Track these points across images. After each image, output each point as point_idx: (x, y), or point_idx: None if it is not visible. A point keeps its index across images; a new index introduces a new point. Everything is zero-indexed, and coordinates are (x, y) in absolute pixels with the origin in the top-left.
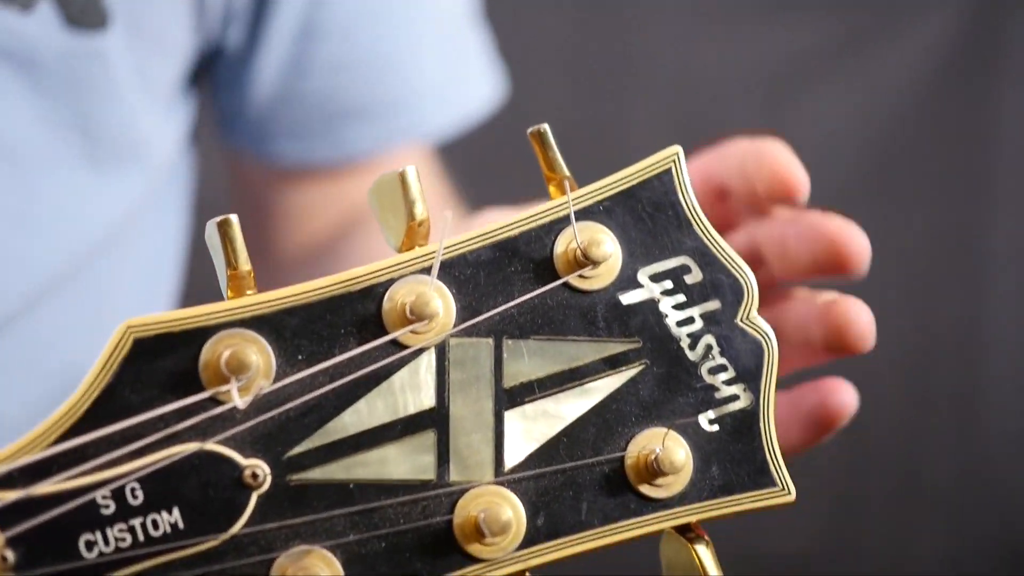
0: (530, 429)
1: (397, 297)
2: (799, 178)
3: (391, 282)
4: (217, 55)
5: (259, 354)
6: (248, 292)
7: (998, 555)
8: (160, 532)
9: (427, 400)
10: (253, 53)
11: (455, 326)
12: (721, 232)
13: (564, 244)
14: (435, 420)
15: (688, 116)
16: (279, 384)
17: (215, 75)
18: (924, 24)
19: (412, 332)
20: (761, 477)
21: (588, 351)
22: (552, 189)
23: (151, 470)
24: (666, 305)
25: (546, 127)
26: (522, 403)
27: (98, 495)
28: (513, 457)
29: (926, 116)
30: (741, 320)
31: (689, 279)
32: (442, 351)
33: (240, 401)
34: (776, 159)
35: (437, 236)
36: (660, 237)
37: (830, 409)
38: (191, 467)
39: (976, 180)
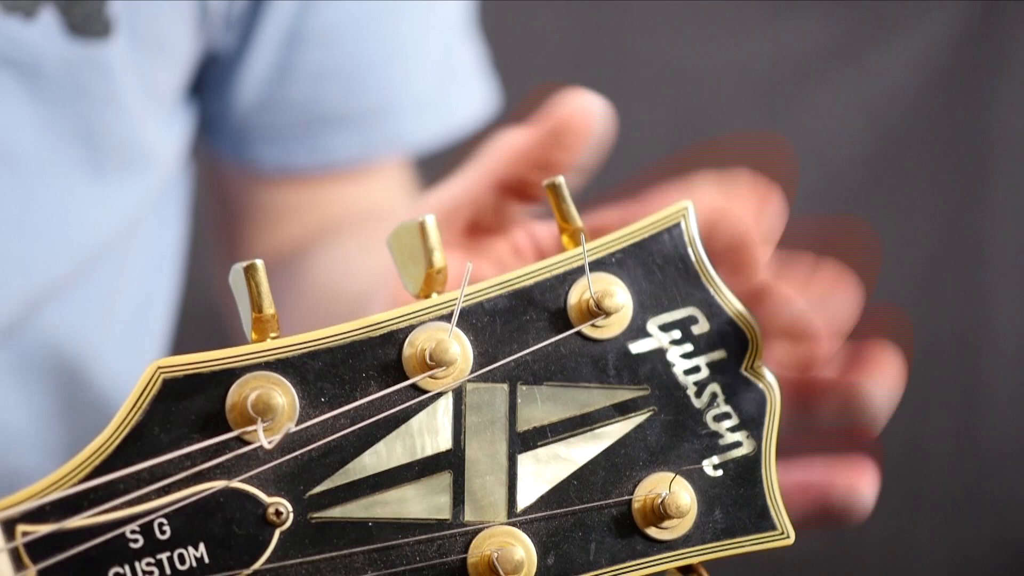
0: (542, 472)
1: (417, 343)
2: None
3: (411, 328)
4: (211, 61)
5: (284, 396)
6: (272, 335)
7: (998, 555)
8: (186, 567)
9: (444, 443)
10: (241, 59)
11: (472, 372)
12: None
13: (578, 295)
14: (451, 462)
15: (688, 116)
16: (303, 426)
17: (204, 80)
18: (924, 24)
19: (431, 377)
20: (762, 521)
21: (599, 397)
22: (565, 239)
23: (179, 506)
24: (674, 354)
25: (562, 179)
26: (535, 447)
27: (127, 530)
28: (526, 498)
29: (926, 116)
30: (745, 369)
31: (696, 329)
32: (459, 396)
33: (266, 442)
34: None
35: (453, 282)
36: (669, 288)
37: (840, 508)
38: (217, 504)
39: (976, 180)
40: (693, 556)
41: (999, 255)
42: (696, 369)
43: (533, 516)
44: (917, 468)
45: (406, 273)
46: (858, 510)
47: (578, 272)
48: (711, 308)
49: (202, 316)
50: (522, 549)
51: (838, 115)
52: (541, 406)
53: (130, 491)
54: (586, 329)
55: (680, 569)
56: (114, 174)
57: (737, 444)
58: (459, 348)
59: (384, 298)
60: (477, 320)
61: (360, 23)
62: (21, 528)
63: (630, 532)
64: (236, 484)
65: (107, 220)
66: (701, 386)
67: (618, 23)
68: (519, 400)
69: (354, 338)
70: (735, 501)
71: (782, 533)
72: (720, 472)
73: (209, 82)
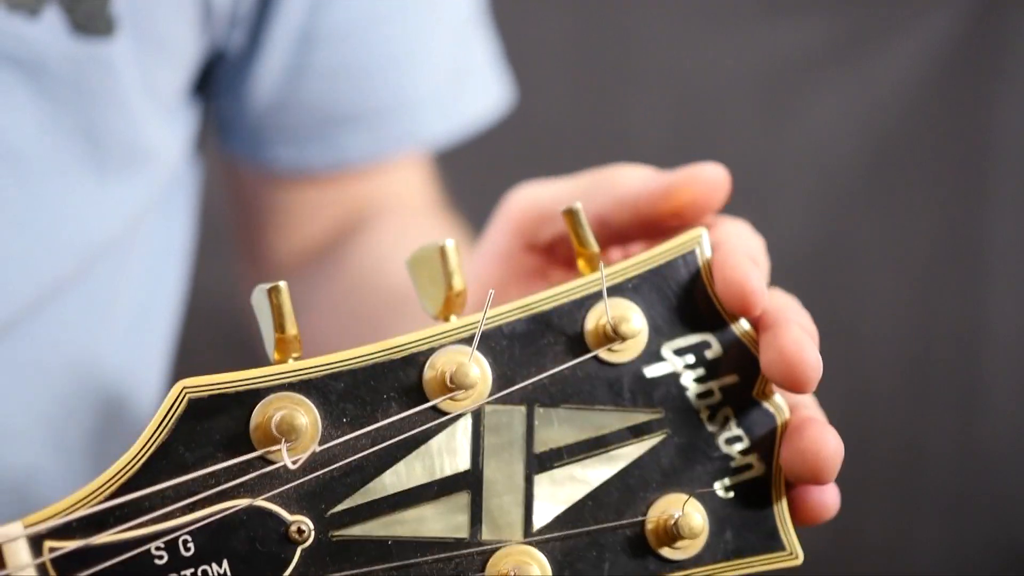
0: (558, 492)
1: (438, 366)
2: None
3: (432, 351)
4: (219, 60)
5: (307, 416)
6: (294, 355)
7: (998, 555)
8: None
9: (463, 463)
10: (253, 58)
11: (491, 394)
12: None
13: (595, 320)
14: (469, 482)
15: (688, 116)
16: (325, 446)
17: (214, 80)
18: (924, 24)
19: (451, 399)
20: (771, 541)
21: (614, 420)
22: (581, 263)
23: (203, 524)
24: (687, 378)
25: (579, 206)
26: (551, 468)
27: (152, 546)
28: (542, 519)
29: (926, 116)
30: (756, 394)
31: (709, 354)
32: (478, 417)
33: (290, 462)
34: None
35: (472, 304)
36: (684, 314)
37: (806, 506)
38: (240, 522)
39: (976, 180)
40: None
41: (999, 255)
42: (709, 393)
43: (549, 536)
44: (917, 468)
45: (425, 295)
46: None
47: (595, 297)
48: (723, 333)
49: (210, 316)
50: (538, 568)
51: (838, 115)
52: (558, 428)
53: (155, 508)
54: (602, 353)
55: None
56: (117, 172)
57: (748, 467)
58: (479, 371)
59: None
60: (496, 343)
61: (372, 21)
62: (48, 544)
63: (643, 552)
64: (260, 503)
65: (110, 218)
66: (713, 410)
67: (619, 22)
68: (536, 422)
69: (376, 360)
70: (745, 522)
71: (791, 554)
72: (731, 494)
73: (221, 83)
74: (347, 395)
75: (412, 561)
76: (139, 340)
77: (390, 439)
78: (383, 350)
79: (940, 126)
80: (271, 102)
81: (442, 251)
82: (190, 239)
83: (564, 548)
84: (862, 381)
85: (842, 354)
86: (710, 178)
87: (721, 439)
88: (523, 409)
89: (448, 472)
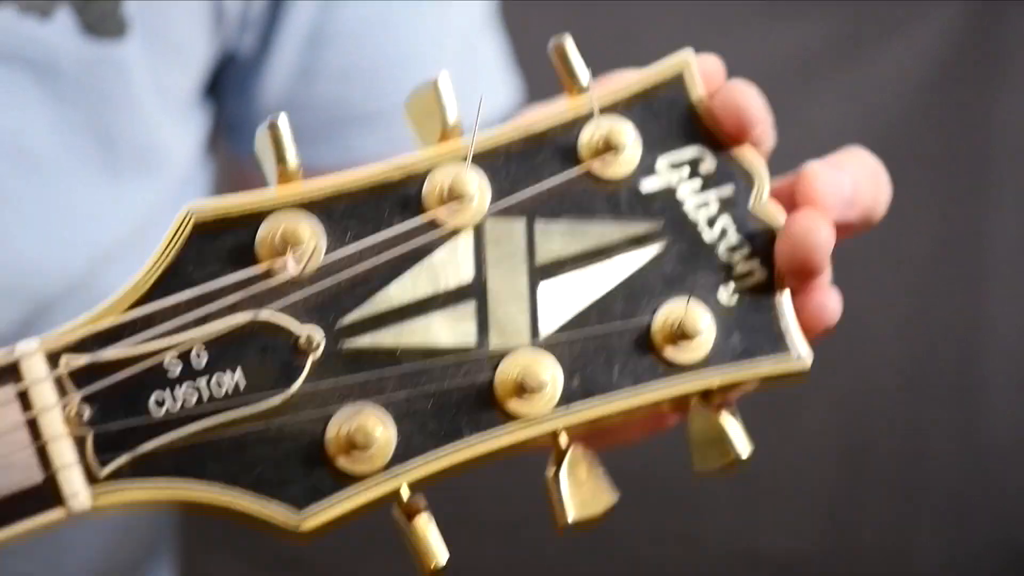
0: (563, 300)
1: (436, 180)
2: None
3: (430, 169)
4: (229, 62)
5: (310, 231)
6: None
7: (998, 555)
8: (223, 391)
9: (466, 275)
10: (263, 60)
11: (490, 208)
12: None
13: (588, 134)
14: (474, 292)
15: None
16: (330, 259)
17: (224, 81)
18: (924, 24)
19: (451, 212)
20: (779, 344)
21: (613, 231)
22: (569, 95)
23: (214, 335)
24: (684, 192)
25: (568, 38)
26: (554, 276)
27: (166, 358)
28: (548, 325)
29: (926, 116)
30: (754, 204)
31: (704, 168)
32: (479, 231)
33: (295, 269)
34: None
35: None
36: (675, 131)
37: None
38: (251, 333)
39: (976, 180)
40: (713, 377)
41: (999, 255)
42: (706, 204)
43: (557, 340)
44: (917, 468)
45: (422, 133)
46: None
47: (588, 116)
48: (717, 147)
49: None
50: (547, 369)
51: (838, 115)
52: (559, 240)
53: (167, 322)
54: (597, 167)
55: (704, 399)
56: (129, 174)
57: (749, 273)
58: (477, 183)
59: None
60: (493, 161)
61: (382, 21)
62: (65, 358)
63: (651, 354)
64: (268, 313)
65: (123, 220)
66: (711, 220)
67: (619, 22)
68: (537, 234)
69: (376, 179)
70: (751, 327)
71: (798, 357)
72: (735, 300)
73: (230, 84)
74: (349, 212)
75: (422, 367)
76: None
77: (394, 252)
78: (383, 170)
79: (940, 126)
80: (280, 103)
81: (435, 85)
82: None
83: (572, 352)
84: (862, 381)
85: (842, 354)
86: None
87: (721, 247)
88: (523, 222)
89: (452, 283)
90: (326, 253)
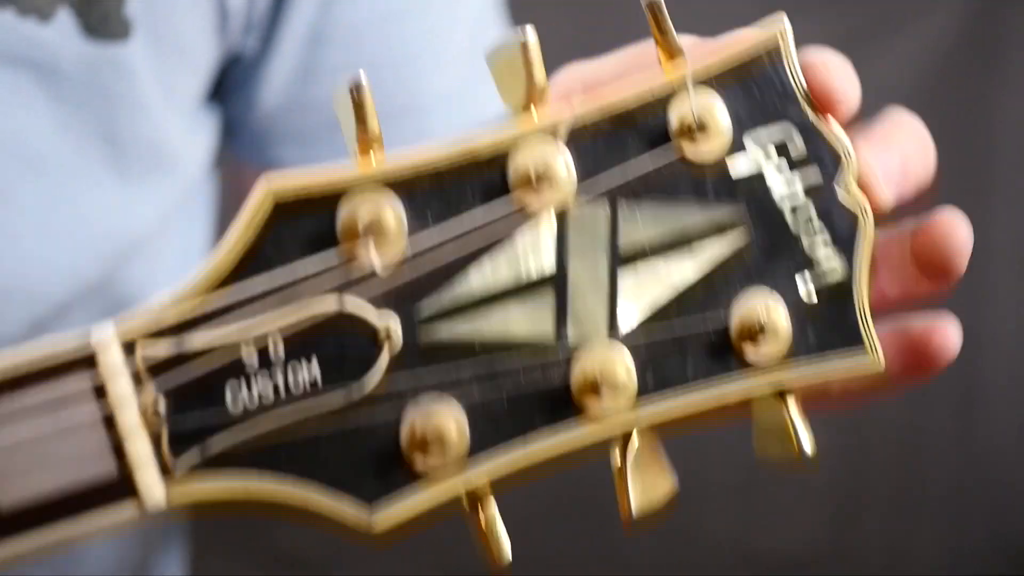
0: (642, 291)
1: (523, 160)
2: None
3: (516, 147)
4: (234, 63)
5: (394, 215)
6: (376, 154)
7: (998, 555)
8: (300, 385)
9: (547, 262)
10: (263, 60)
11: (576, 191)
12: None
13: (679, 113)
14: (555, 281)
15: None
16: (411, 245)
17: (226, 83)
18: (924, 24)
19: (536, 197)
20: (853, 344)
21: (698, 217)
22: (663, 56)
23: (292, 326)
24: (771, 176)
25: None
26: (635, 265)
27: (243, 350)
28: (626, 317)
29: (926, 116)
30: (840, 192)
31: (793, 151)
32: (562, 215)
33: (377, 261)
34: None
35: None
36: (767, 109)
37: (930, 347)
38: (329, 322)
39: (976, 180)
40: (788, 376)
41: (999, 255)
42: (793, 193)
43: (634, 334)
44: (917, 468)
45: (505, 88)
46: (945, 349)
47: (679, 91)
48: (807, 130)
49: None
50: (623, 368)
51: None
52: (642, 225)
53: (244, 311)
54: (687, 149)
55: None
56: (138, 175)
57: (832, 269)
58: (564, 168)
59: None
60: (580, 141)
61: (383, 21)
62: (141, 347)
63: (726, 350)
64: (348, 303)
65: (133, 223)
66: (796, 208)
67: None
68: (621, 220)
69: (461, 156)
70: (828, 323)
71: (873, 360)
72: (814, 293)
73: (231, 85)
74: (432, 193)
75: (498, 361)
76: None
77: (476, 238)
78: (468, 148)
79: (940, 125)
80: (281, 104)
81: (523, 45)
82: (211, 242)
83: (648, 345)
84: None
85: None
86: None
87: (804, 238)
88: (608, 206)
89: (533, 271)
90: (408, 237)
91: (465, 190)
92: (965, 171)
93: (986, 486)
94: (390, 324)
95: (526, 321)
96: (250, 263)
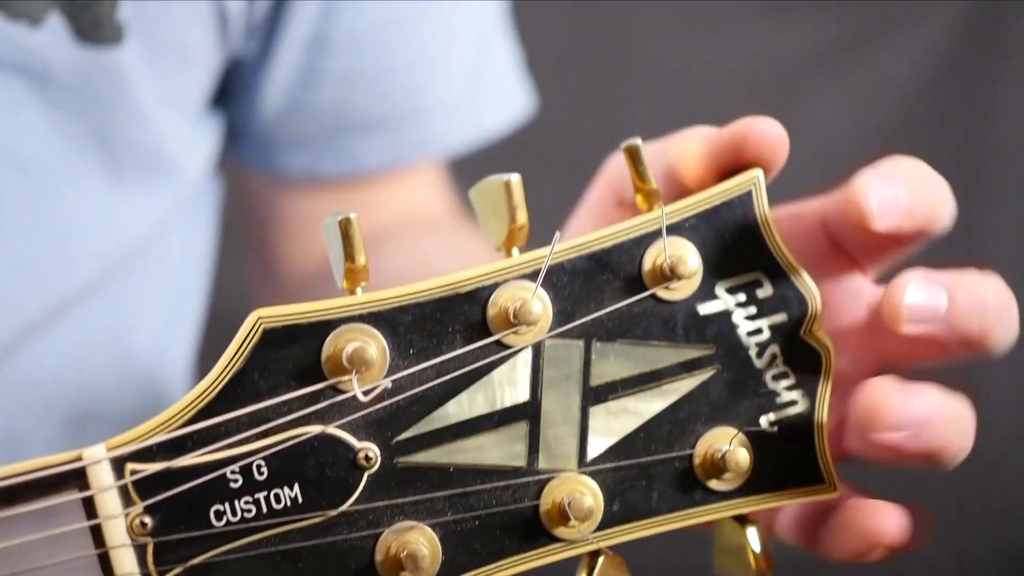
0: (612, 424)
1: (501, 302)
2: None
3: (496, 286)
4: (236, 67)
5: (376, 348)
6: (362, 284)
7: (998, 555)
8: (281, 505)
9: (522, 395)
10: (264, 65)
11: (551, 329)
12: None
13: (652, 259)
14: (528, 413)
15: (688, 116)
16: (395, 377)
17: (228, 87)
18: (924, 24)
19: (513, 334)
20: (812, 474)
21: (667, 355)
22: (639, 198)
23: (276, 450)
24: (739, 316)
25: (639, 142)
26: (606, 400)
27: (228, 470)
28: (595, 449)
29: (926, 116)
30: (804, 333)
31: (761, 293)
32: (538, 351)
33: (360, 393)
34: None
35: (535, 240)
36: (738, 254)
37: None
38: (311, 448)
39: (976, 180)
40: (748, 505)
41: (998, 254)
42: (759, 331)
43: (602, 466)
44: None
45: (488, 227)
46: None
47: (653, 236)
48: (775, 273)
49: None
50: (591, 496)
51: (838, 115)
52: (614, 362)
53: (231, 434)
54: (659, 291)
55: (735, 518)
56: (135, 181)
57: (793, 403)
58: (541, 307)
59: None
60: (557, 280)
61: (385, 27)
62: (130, 467)
63: (690, 483)
64: (330, 430)
65: (131, 228)
66: (762, 347)
67: (618, 22)
68: (593, 356)
69: (442, 294)
70: (788, 456)
71: (830, 486)
72: (776, 428)
73: (233, 89)
74: (414, 327)
75: (472, 488)
76: (164, 348)
77: (454, 371)
78: (448, 284)
79: (940, 126)
80: (282, 109)
81: (507, 185)
82: (213, 248)
83: (616, 478)
84: None
85: None
86: (767, 131)
87: (768, 375)
88: (581, 343)
89: (508, 403)
90: (389, 370)
91: (446, 326)
92: (965, 171)
93: (987, 488)
94: (369, 450)
95: (499, 450)
96: (238, 389)
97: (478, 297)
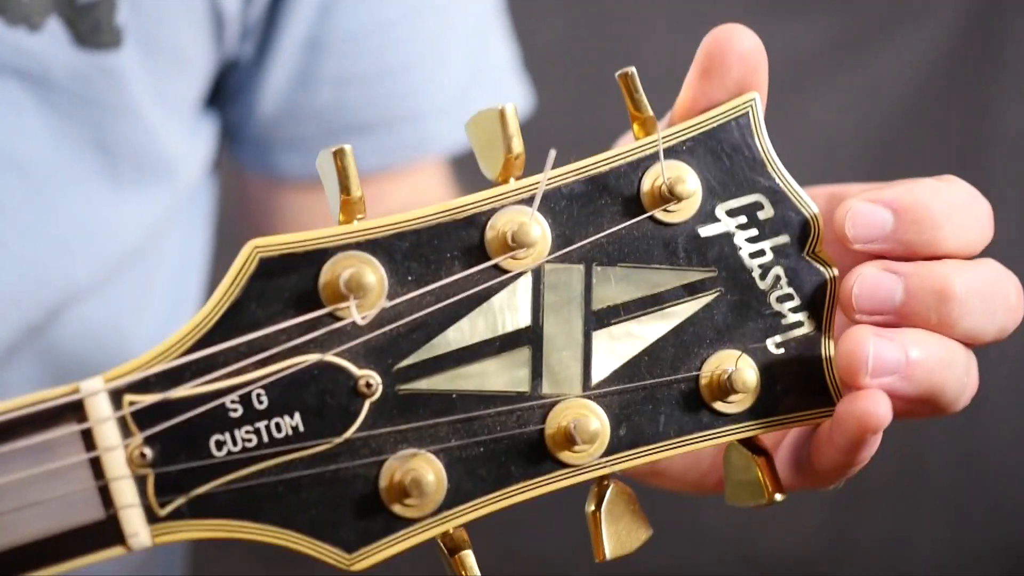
0: (615, 348)
1: (499, 226)
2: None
3: (493, 211)
4: (232, 69)
5: (374, 274)
6: (359, 216)
7: (998, 554)
8: (282, 434)
9: (523, 320)
10: (261, 66)
11: (550, 253)
12: None
13: (651, 181)
14: (530, 338)
15: None
16: (393, 302)
17: (224, 89)
18: (924, 24)
19: (512, 258)
20: (820, 396)
21: (669, 278)
22: (636, 127)
23: (275, 378)
24: (740, 238)
25: (634, 70)
26: (609, 324)
27: (227, 400)
28: (600, 373)
29: (926, 116)
30: (807, 254)
31: (762, 215)
32: (538, 276)
33: (359, 317)
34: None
35: (531, 168)
36: (737, 175)
37: (856, 418)
38: (311, 376)
39: (976, 179)
40: (756, 428)
41: (999, 254)
42: (761, 253)
43: (607, 390)
44: (917, 468)
45: (484, 158)
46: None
47: (651, 159)
48: (776, 195)
49: None
50: (597, 420)
51: (838, 115)
52: (615, 286)
53: (229, 363)
54: (658, 214)
55: (741, 441)
56: (133, 182)
57: (799, 324)
58: (539, 230)
59: None
60: (555, 204)
61: (380, 29)
62: (128, 398)
63: (697, 406)
64: (329, 357)
65: (131, 228)
66: (765, 269)
67: (618, 22)
68: (594, 280)
69: (439, 220)
70: (796, 377)
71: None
72: (782, 350)
73: (229, 91)
74: (412, 254)
75: (475, 414)
76: None
77: (453, 296)
78: (446, 211)
79: (940, 126)
80: (278, 110)
81: (501, 114)
82: (210, 248)
83: (621, 401)
84: None
85: None
86: (745, 46)
87: (773, 297)
88: (581, 268)
89: (509, 328)
90: (387, 297)
91: (444, 252)
92: (965, 170)
93: (985, 488)
94: (370, 377)
95: (503, 374)
96: (236, 317)
97: (476, 222)
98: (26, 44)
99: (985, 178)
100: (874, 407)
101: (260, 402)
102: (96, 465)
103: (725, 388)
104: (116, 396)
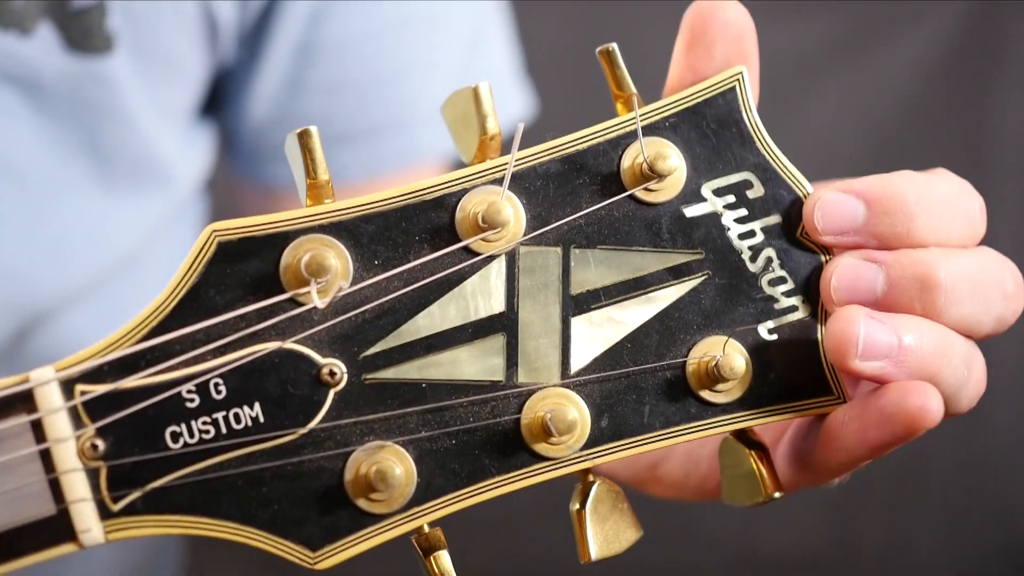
0: (595, 335)
1: (469, 207)
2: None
3: (463, 192)
4: (226, 76)
5: (337, 258)
6: (326, 201)
7: (998, 554)
8: (242, 425)
9: (497, 305)
10: (252, 74)
11: (525, 235)
12: None
13: (631, 158)
14: (505, 324)
15: None
16: (356, 287)
17: (218, 95)
18: (924, 24)
19: (483, 240)
20: (816, 384)
21: (652, 261)
22: (619, 106)
23: (233, 367)
24: (728, 218)
25: (615, 46)
26: (588, 310)
27: (183, 389)
28: (579, 361)
29: (926, 115)
30: (801, 234)
31: (751, 194)
32: (512, 259)
33: (319, 301)
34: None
35: (507, 150)
36: (724, 153)
37: (908, 411)
38: (272, 365)
39: (976, 180)
40: (748, 419)
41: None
42: (751, 234)
43: (587, 378)
44: (917, 469)
45: (459, 140)
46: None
47: (631, 136)
48: (766, 173)
49: None
50: (575, 410)
51: (838, 114)
52: (595, 269)
53: (186, 351)
54: (639, 193)
55: (735, 435)
56: (127, 188)
57: (792, 308)
58: (512, 210)
59: None
60: (530, 184)
61: (371, 37)
62: (80, 388)
63: (684, 395)
64: (290, 345)
65: (124, 233)
66: (756, 250)
67: (617, 22)
68: (572, 263)
69: (407, 202)
70: (790, 365)
71: (837, 397)
72: (775, 336)
73: (223, 98)
74: (378, 237)
75: (447, 404)
76: None
77: (422, 280)
78: (414, 191)
79: (940, 126)
80: (270, 117)
81: (475, 93)
82: None
83: (603, 391)
84: None
85: None
86: (729, 14)
87: (764, 280)
88: (558, 250)
89: (483, 314)
90: (352, 281)
91: (412, 235)
92: (965, 170)
93: (986, 489)
94: (334, 366)
95: (475, 363)
96: (193, 305)
97: (445, 204)
98: (18, 49)
99: (984, 177)
100: (928, 401)
101: (218, 392)
102: (47, 458)
103: (713, 376)
104: (68, 386)
